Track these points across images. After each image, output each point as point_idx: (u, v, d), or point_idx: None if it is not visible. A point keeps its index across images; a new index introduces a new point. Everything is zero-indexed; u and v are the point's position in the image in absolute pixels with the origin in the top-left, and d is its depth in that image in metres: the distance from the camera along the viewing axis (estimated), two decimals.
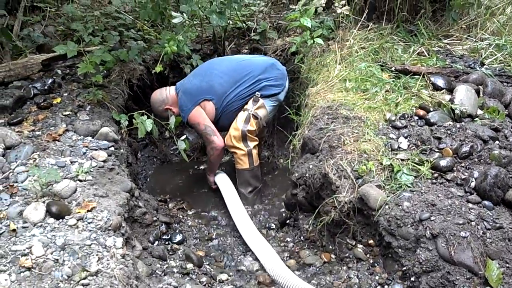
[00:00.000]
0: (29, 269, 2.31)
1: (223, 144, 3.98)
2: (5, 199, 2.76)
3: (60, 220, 2.64)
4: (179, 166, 4.79)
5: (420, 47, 4.26)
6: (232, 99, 3.98)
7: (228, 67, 4.05)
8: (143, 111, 3.82)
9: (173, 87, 4.13)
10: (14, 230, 2.52)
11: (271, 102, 4.03)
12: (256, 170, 4.08)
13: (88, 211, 2.72)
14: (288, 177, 3.77)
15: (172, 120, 3.87)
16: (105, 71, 4.12)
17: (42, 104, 3.73)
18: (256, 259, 3.30)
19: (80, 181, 2.98)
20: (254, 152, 4.01)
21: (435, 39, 4.44)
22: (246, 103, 3.99)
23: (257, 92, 3.97)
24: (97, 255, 2.44)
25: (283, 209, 3.73)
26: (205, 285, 2.94)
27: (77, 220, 2.65)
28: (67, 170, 3.06)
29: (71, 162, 3.15)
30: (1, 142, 3.19)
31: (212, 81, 3.96)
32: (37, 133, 3.43)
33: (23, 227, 2.56)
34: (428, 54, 4.18)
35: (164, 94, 4.10)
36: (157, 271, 2.94)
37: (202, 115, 3.93)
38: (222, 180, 4.06)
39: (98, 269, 2.35)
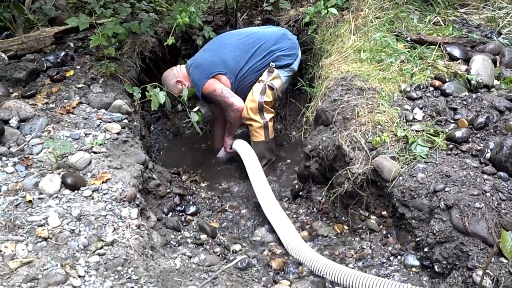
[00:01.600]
0: (45, 239, 2.34)
1: (243, 104, 3.96)
2: (21, 171, 2.79)
3: (76, 191, 2.67)
4: (192, 139, 4.80)
5: (436, 16, 4.18)
6: (246, 73, 3.96)
7: (240, 41, 4.01)
8: (156, 83, 3.81)
9: (183, 65, 4.14)
10: (30, 201, 2.55)
11: (286, 72, 4.01)
12: (271, 143, 4.07)
13: (103, 182, 2.74)
14: (301, 149, 3.76)
15: (185, 91, 3.85)
16: (117, 44, 4.11)
17: (55, 77, 3.74)
18: (270, 230, 3.32)
19: (95, 153, 3.00)
20: (270, 124, 4.00)
21: (451, 8, 4.35)
22: (261, 75, 3.97)
23: (271, 63, 3.94)
24: (112, 225, 2.47)
25: (296, 181, 3.73)
26: (218, 255, 2.97)
27: (92, 191, 2.67)
28: (82, 142, 3.08)
29: (85, 134, 3.17)
30: (15, 115, 3.21)
31: (224, 55, 3.94)
32: (51, 105, 3.45)
33: (39, 198, 2.59)
34: (444, 24, 4.10)
35: (174, 70, 4.11)
36: (171, 242, 2.97)
37: (216, 83, 3.92)
38: (242, 145, 4.01)
39: (114, 239, 2.38)
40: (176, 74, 4.06)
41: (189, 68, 4.04)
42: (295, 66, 4.10)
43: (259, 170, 3.66)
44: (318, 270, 2.74)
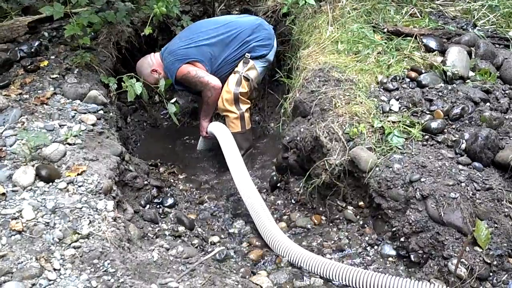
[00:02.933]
0: (20, 232, 2.30)
1: (220, 83, 3.92)
2: None
3: (50, 183, 2.63)
4: (170, 131, 4.76)
5: (412, 8, 4.20)
6: (222, 63, 3.94)
7: (215, 29, 3.98)
8: (132, 74, 3.76)
9: (157, 53, 4.08)
10: (3, 194, 2.51)
11: (261, 63, 4.00)
12: (248, 133, 4.07)
13: (78, 174, 2.70)
14: (279, 141, 3.76)
15: (162, 82, 3.81)
16: (92, 33, 4.04)
17: (29, 67, 3.66)
18: (248, 221, 3.31)
19: (70, 144, 2.95)
20: (246, 115, 3.98)
21: (427, 0, 4.38)
22: (236, 66, 3.95)
23: (246, 54, 3.93)
24: (88, 218, 2.44)
25: (274, 172, 3.74)
26: (196, 247, 2.95)
27: (67, 184, 2.64)
28: (56, 134, 3.03)
29: (60, 126, 3.12)
30: None
31: (199, 43, 3.91)
32: (25, 96, 3.38)
33: (13, 191, 2.55)
34: (421, 15, 4.13)
35: (148, 58, 4.05)
36: (149, 234, 2.94)
37: (190, 67, 3.88)
38: (218, 127, 3.92)
39: (90, 232, 2.35)
40: (151, 62, 4.01)
41: (162, 55, 4.00)
42: (271, 56, 4.09)
43: (236, 152, 3.60)
44: (295, 261, 2.75)
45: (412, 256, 2.66)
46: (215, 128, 3.93)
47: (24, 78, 3.56)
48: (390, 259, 2.77)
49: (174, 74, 3.89)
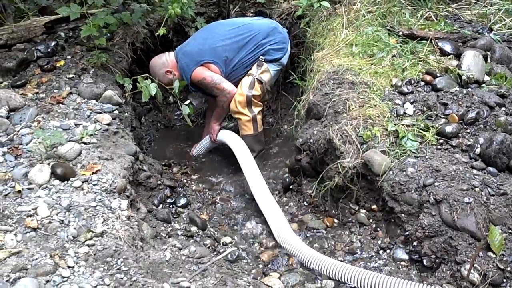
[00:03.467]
0: (34, 229, 2.33)
1: (235, 89, 3.93)
2: (10, 161, 2.77)
3: (65, 182, 2.66)
4: (183, 131, 4.78)
5: (428, 11, 4.19)
6: (236, 65, 3.94)
7: (230, 31, 3.98)
8: (147, 75, 3.79)
9: (172, 52, 4.08)
10: (19, 191, 2.54)
11: (275, 66, 4.00)
12: (260, 136, 4.06)
13: (93, 173, 2.73)
14: (292, 143, 3.76)
15: (176, 84, 3.83)
16: (108, 34, 4.08)
17: (45, 66, 3.71)
18: (260, 222, 3.32)
19: (85, 143, 2.98)
20: (259, 117, 3.99)
21: (443, 3, 4.37)
22: (250, 69, 3.95)
23: (261, 57, 3.93)
24: (102, 216, 2.47)
25: (287, 174, 3.74)
26: (209, 247, 2.97)
27: (82, 182, 2.66)
28: (72, 133, 3.06)
29: (76, 125, 3.15)
30: (5, 105, 3.18)
31: (214, 44, 3.91)
32: (41, 95, 3.42)
33: (28, 189, 2.58)
34: (436, 19, 4.11)
35: (163, 58, 4.03)
36: (161, 233, 2.96)
37: (205, 70, 3.89)
38: (229, 134, 3.96)
39: (104, 230, 2.37)
40: (166, 63, 4.00)
41: (177, 56, 4.00)
42: (285, 60, 4.09)
43: (250, 158, 3.63)
44: (307, 262, 2.76)
45: (424, 261, 2.64)
46: (226, 136, 3.97)
47: (41, 78, 3.60)
48: (402, 263, 2.76)
49: (189, 76, 3.90)
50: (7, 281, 2.01)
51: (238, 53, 3.92)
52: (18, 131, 3.00)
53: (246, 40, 3.93)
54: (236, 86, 3.96)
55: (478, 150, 2.80)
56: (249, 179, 3.46)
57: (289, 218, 3.37)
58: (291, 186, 3.64)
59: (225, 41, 3.92)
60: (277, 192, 3.71)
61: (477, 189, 2.60)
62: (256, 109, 3.96)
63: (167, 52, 4.09)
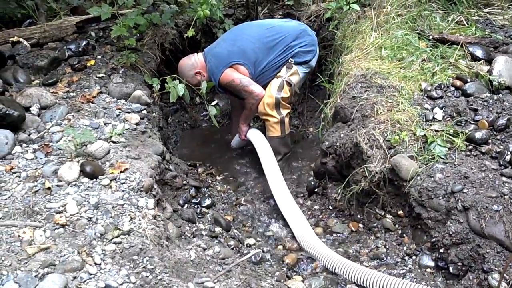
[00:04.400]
0: (63, 226, 2.37)
1: (263, 92, 3.93)
2: (40, 158, 2.82)
3: (94, 180, 2.69)
4: (209, 132, 4.81)
5: (459, 15, 4.13)
6: (265, 67, 3.93)
7: (260, 33, 3.98)
8: (175, 75, 3.82)
9: (200, 53, 4.07)
10: (49, 188, 2.59)
11: (304, 68, 3.99)
12: (287, 138, 4.06)
13: (121, 172, 2.76)
14: (318, 146, 3.75)
15: (204, 85, 3.86)
16: (138, 35, 4.13)
17: (76, 66, 3.77)
18: (284, 225, 3.32)
19: (114, 142, 3.02)
20: (286, 120, 3.98)
21: (475, 7, 4.30)
22: (280, 71, 3.95)
23: (290, 59, 3.92)
24: (129, 214, 2.49)
25: (312, 178, 3.73)
26: (232, 248, 2.98)
27: (110, 181, 2.70)
28: (101, 132, 3.11)
29: (105, 124, 3.20)
30: (36, 102, 3.25)
31: (243, 45, 3.91)
32: (72, 94, 3.48)
33: (58, 186, 2.62)
34: (467, 23, 4.05)
35: (193, 59, 4.03)
36: (186, 233, 2.99)
37: (234, 72, 3.88)
38: (256, 135, 3.99)
39: (130, 228, 2.40)
40: (195, 64, 4.00)
41: (206, 57, 4.00)
42: (313, 63, 4.08)
43: (274, 161, 3.65)
44: (331, 267, 2.74)
45: (451, 268, 2.60)
46: (253, 136, 3.99)
47: (71, 77, 3.67)
48: (428, 270, 2.72)
49: (218, 78, 3.90)
50: (35, 276, 2.05)
51: (267, 55, 3.91)
52: (49, 129, 3.06)
53: (275, 42, 3.92)
54: (265, 88, 3.96)
55: (508, 157, 2.75)
56: (270, 182, 3.49)
57: (314, 221, 3.36)
58: (316, 190, 3.63)
59: (254, 43, 3.92)
60: (301, 195, 3.70)
61: (506, 196, 2.56)
62: (285, 111, 3.95)
63: (195, 53, 4.10)
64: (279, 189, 3.42)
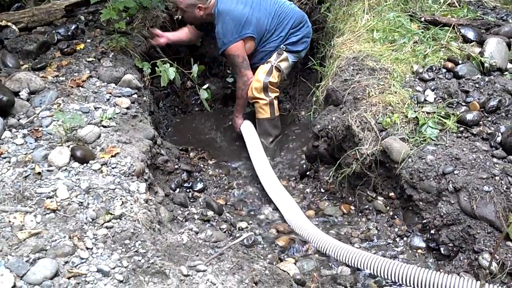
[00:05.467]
0: (54, 211, 2.35)
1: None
2: (30, 143, 2.79)
3: (85, 164, 2.67)
4: (200, 116, 4.79)
5: None
6: (268, 45, 3.92)
7: (274, 9, 3.92)
8: (166, 59, 3.79)
9: None
10: (39, 173, 2.57)
11: (293, 57, 3.99)
12: (277, 120, 4.05)
13: (112, 156, 2.75)
14: (310, 129, 3.75)
15: (195, 68, 3.83)
16: (128, 18, 4.08)
17: (65, 50, 3.72)
18: (276, 208, 3.33)
19: (104, 127, 3.00)
20: (275, 102, 3.97)
21: None
22: (271, 55, 3.93)
23: (282, 45, 3.90)
24: (121, 199, 2.48)
25: (304, 161, 3.73)
26: (225, 232, 2.99)
27: (101, 165, 2.68)
28: (91, 116, 3.08)
29: (95, 108, 3.16)
30: (25, 87, 3.21)
31: (261, 18, 3.84)
32: (61, 78, 3.44)
33: (48, 171, 2.60)
34: (459, 5, 4.03)
35: None
36: (178, 217, 2.99)
37: (243, 49, 3.83)
38: (248, 129, 4.02)
39: (122, 212, 2.39)
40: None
41: (220, 12, 3.79)
42: (303, 53, 4.10)
43: (264, 158, 3.68)
44: (323, 249, 2.76)
45: (442, 249, 2.63)
46: (245, 131, 4.00)
47: (61, 61, 3.62)
48: (419, 251, 2.75)
49: (229, 45, 3.80)
50: (26, 261, 2.04)
51: (273, 33, 3.90)
52: (38, 114, 3.03)
53: (284, 21, 3.90)
54: (258, 63, 3.96)
55: (499, 139, 2.77)
56: (261, 179, 3.51)
57: (306, 204, 3.37)
58: (308, 173, 3.64)
59: (268, 18, 3.87)
60: (293, 178, 3.71)
61: (497, 177, 2.57)
62: (273, 94, 3.94)
63: None
64: (270, 186, 3.44)
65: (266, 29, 3.86)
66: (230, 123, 4.41)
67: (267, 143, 3.99)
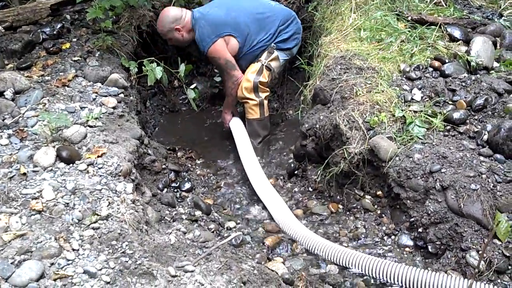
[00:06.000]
0: (39, 212, 2.32)
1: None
2: (15, 143, 2.76)
3: (70, 165, 2.64)
4: (188, 116, 4.76)
5: None
6: (255, 45, 3.89)
7: (256, 8, 3.92)
8: (153, 58, 3.76)
9: (189, 12, 3.91)
10: (24, 174, 2.53)
11: (285, 55, 3.97)
12: (266, 121, 4.04)
13: (98, 156, 2.72)
14: (298, 128, 3.75)
15: (182, 68, 3.81)
16: (114, 17, 4.04)
17: (51, 49, 3.69)
18: (264, 208, 3.33)
19: (90, 126, 2.97)
20: (265, 102, 3.96)
21: None
22: (261, 54, 3.91)
23: (273, 44, 3.89)
24: (107, 199, 2.46)
25: (292, 160, 3.73)
26: (213, 232, 2.98)
27: (87, 165, 2.65)
28: (77, 116, 3.05)
29: (81, 108, 3.13)
30: (10, 87, 3.17)
31: (238, 17, 3.83)
32: (47, 78, 3.41)
33: (34, 171, 2.57)
34: (446, 4, 4.05)
35: (180, 13, 3.85)
36: (166, 217, 2.97)
37: (224, 49, 3.82)
38: (237, 126, 4.00)
39: (109, 213, 2.37)
40: (180, 19, 3.83)
41: (196, 20, 3.84)
42: (295, 50, 4.07)
43: (253, 156, 3.65)
44: (311, 248, 2.76)
45: (429, 247, 2.64)
46: (234, 128, 3.99)
47: (46, 60, 3.59)
48: (407, 249, 2.76)
49: (208, 48, 3.80)
50: (11, 263, 2.01)
51: (258, 32, 3.86)
52: (23, 114, 2.99)
53: (267, 20, 3.88)
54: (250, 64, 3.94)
55: (485, 137, 2.78)
56: (250, 177, 3.49)
57: (294, 203, 3.37)
58: (296, 172, 3.64)
59: (248, 17, 3.85)
60: (281, 177, 3.70)
61: (484, 176, 2.59)
62: (263, 94, 3.93)
63: (185, 9, 3.94)
64: (258, 184, 3.42)
65: (247, 28, 3.85)
66: (218, 121, 4.39)
67: (256, 143, 3.97)
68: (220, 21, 3.81)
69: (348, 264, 2.58)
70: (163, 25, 3.86)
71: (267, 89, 3.99)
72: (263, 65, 3.87)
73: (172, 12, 3.86)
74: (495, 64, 3.31)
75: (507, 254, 2.36)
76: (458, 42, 3.49)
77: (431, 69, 3.29)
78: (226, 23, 3.81)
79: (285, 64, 4.15)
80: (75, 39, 3.88)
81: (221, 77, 4.05)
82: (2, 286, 1.92)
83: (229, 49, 3.84)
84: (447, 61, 3.30)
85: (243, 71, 3.94)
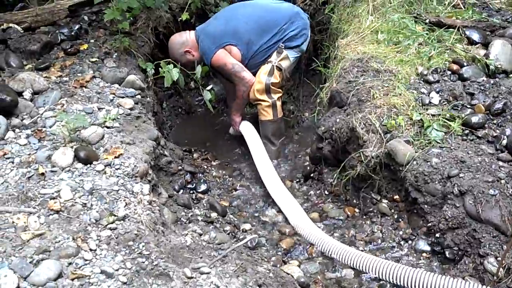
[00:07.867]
0: (57, 212, 2.35)
1: (254, 79, 3.90)
2: (34, 143, 2.79)
3: (88, 165, 2.67)
4: (204, 117, 4.78)
5: None
6: (258, 50, 3.89)
7: (254, 13, 3.93)
8: (170, 59, 3.78)
9: (192, 31, 4.00)
10: (42, 174, 2.56)
11: (295, 53, 3.95)
12: (280, 122, 4.04)
13: (115, 157, 2.74)
14: (314, 131, 3.73)
15: (198, 69, 3.82)
16: (131, 18, 4.06)
17: (69, 50, 3.72)
18: (279, 210, 3.32)
19: (108, 127, 2.99)
20: (278, 103, 3.95)
21: None
22: (270, 55, 3.91)
23: (281, 44, 3.88)
24: (124, 200, 2.47)
25: (308, 163, 3.72)
26: (228, 234, 2.98)
27: (105, 166, 2.67)
28: (95, 117, 3.07)
29: (99, 109, 3.16)
30: (29, 87, 3.20)
31: (237, 26, 3.86)
32: (65, 79, 3.44)
33: (52, 171, 2.60)
34: (464, 7, 4.01)
35: (184, 37, 3.97)
36: (182, 219, 2.98)
37: (227, 56, 3.84)
38: (248, 129, 3.99)
39: (126, 214, 2.38)
40: (185, 42, 3.94)
41: (198, 36, 3.94)
42: (304, 47, 4.04)
43: (266, 158, 3.66)
44: (328, 252, 2.75)
45: (447, 253, 2.61)
46: (245, 130, 3.99)
47: (64, 61, 3.62)
48: (424, 254, 2.73)
49: (210, 59, 3.85)
50: (30, 262, 2.03)
51: (260, 37, 3.86)
52: (42, 114, 3.03)
53: (269, 23, 3.87)
54: (255, 74, 3.92)
55: (504, 142, 2.75)
56: (263, 178, 3.49)
57: (309, 206, 3.36)
58: (311, 175, 3.63)
59: (248, 24, 3.87)
60: (297, 180, 3.70)
61: (502, 181, 2.56)
62: (276, 96, 3.92)
63: (187, 31, 4.03)
64: (272, 186, 3.42)
65: (248, 34, 3.86)
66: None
67: (270, 145, 3.97)
68: (219, 32, 3.86)
69: (365, 269, 2.56)
70: (173, 53, 3.95)
71: (279, 89, 3.98)
72: (273, 65, 3.86)
73: (176, 39, 3.99)
74: None
75: None
76: (477, 45, 3.44)
77: (449, 72, 3.26)
78: (225, 33, 3.84)
79: (296, 62, 4.13)
80: (92, 40, 3.91)
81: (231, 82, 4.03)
82: (21, 285, 1.94)
83: (232, 57, 3.86)
84: (465, 64, 3.26)
85: (254, 75, 3.93)
